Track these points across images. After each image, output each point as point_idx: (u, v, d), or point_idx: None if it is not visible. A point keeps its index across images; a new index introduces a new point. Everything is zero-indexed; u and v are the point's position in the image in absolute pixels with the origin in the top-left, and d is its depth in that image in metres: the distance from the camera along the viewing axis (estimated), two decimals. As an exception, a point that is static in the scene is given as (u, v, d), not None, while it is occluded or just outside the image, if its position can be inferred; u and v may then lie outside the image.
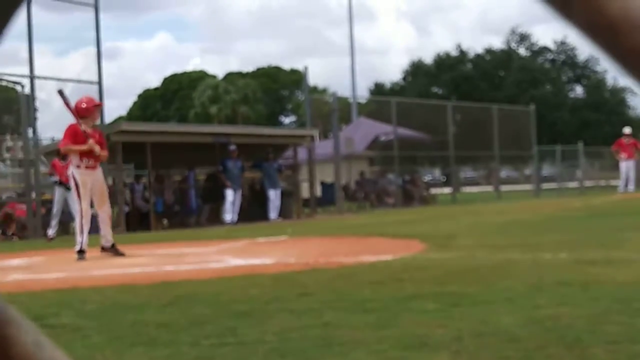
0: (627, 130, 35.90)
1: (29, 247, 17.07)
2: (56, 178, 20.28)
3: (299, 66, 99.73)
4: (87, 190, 13.02)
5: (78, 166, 13.06)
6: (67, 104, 13.15)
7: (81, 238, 12.93)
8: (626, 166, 35.14)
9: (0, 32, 0.59)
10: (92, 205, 13.41)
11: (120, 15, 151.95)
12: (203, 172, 29.08)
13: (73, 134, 13.22)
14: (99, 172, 13.35)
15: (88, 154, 13.10)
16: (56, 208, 20.26)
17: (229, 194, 25.03)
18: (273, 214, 26.14)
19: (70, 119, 13.32)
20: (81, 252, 12.91)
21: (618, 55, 0.62)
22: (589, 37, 0.63)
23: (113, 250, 13.22)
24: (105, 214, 13.36)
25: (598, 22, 0.61)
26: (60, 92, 13.38)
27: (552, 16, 0.65)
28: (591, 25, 0.62)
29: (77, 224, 13.40)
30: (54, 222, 20.22)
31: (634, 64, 0.62)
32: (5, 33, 0.60)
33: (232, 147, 25.26)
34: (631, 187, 34.93)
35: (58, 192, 20.22)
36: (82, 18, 24.09)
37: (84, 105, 13.39)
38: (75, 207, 18.63)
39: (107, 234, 13.32)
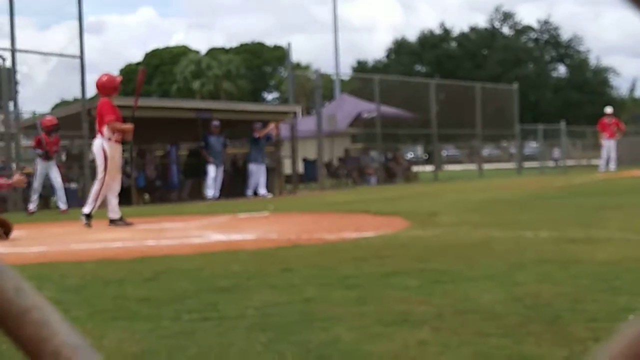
0: (608, 110, 36.14)
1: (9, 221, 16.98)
2: (40, 151, 20.12)
3: (285, 43, 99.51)
4: (114, 163, 13.54)
5: (109, 139, 13.59)
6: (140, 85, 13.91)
7: (93, 204, 13.70)
8: (607, 145, 35.34)
9: None
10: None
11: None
12: (185, 148, 29.00)
13: (113, 109, 14.08)
14: (121, 147, 14.13)
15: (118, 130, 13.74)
16: (38, 182, 20.17)
17: (211, 170, 24.98)
18: (261, 190, 26.04)
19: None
20: (89, 216, 13.64)
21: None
22: None
23: (122, 221, 13.81)
24: (118, 186, 13.99)
25: None
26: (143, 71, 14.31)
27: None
28: None
29: (94, 192, 13.96)
30: (35, 197, 20.17)
31: None
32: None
33: (216, 123, 25.18)
34: (612, 166, 35.12)
35: (40, 165, 20.12)
36: (65, -10, 23.87)
37: (105, 80, 14.39)
38: (58, 180, 19.05)
39: (115, 206, 13.87)
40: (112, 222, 13.83)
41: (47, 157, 19.79)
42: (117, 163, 13.88)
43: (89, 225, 13.63)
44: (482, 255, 7.41)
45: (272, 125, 26.36)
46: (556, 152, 49.20)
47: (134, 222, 14.01)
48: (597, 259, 6.78)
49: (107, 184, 13.71)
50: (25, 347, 0.57)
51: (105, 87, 14.00)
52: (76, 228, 13.44)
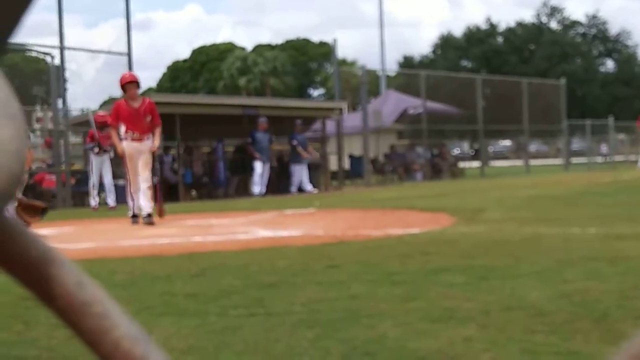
0: None
1: (58, 218, 17.20)
2: (93, 145, 20.20)
3: (330, 39, 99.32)
4: (132, 160, 13.69)
5: (125, 138, 13.63)
6: None
7: (132, 203, 13.87)
8: None
9: (26, 6, 0.59)
10: None
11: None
12: (232, 144, 29.11)
13: (115, 112, 13.97)
14: (145, 144, 13.81)
15: (133, 127, 13.67)
16: (95, 177, 20.28)
17: (258, 166, 25.05)
18: (307, 186, 26.10)
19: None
20: (134, 216, 13.88)
21: None
22: None
23: (146, 219, 13.68)
24: (144, 184, 13.70)
25: None
26: None
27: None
28: None
29: (127, 192, 14.25)
30: (95, 192, 20.33)
31: None
32: (30, 7, 0.60)
33: (262, 119, 25.25)
34: None
35: (95, 161, 20.20)
36: (113, -11, 24.10)
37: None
38: (108, 177, 19.36)
39: (144, 205, 13.76)
40: (133, 217, 14.03)
41: (100, 150, 19.91)
42: (141, 160, 13.69)
43: (136, 222, 13.87)
44: (529, 251, 7.37)
45: (307, 154, 26.41)
46: (604, 148, 48.69)
47: (163, 220, 14.01)
48: (645, 256, 6.72)
49: (132, 182, 13.77)
50: (86, 338, 0.59)
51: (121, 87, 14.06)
52: (124, 224, 13.58)
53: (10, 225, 0.57)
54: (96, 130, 20.01)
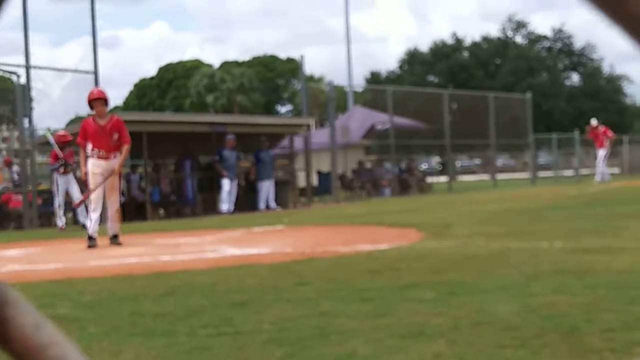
0: (593, 122, 35.53)
1: (25, 238, 17.06)
2: (59, 165, 19.95)
3: (298, 55, 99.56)
4: (97, 179, 13.27)
5: (91, 156, 13.32)
6: None
7: (89, 224, 13.35)
8: (598, 156, 34.95)
9: None
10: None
11: (120, 4, 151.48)
12: (199, 162, 29.02)
13: (82, 130, 13.66)
14: (112, 163, 13.46)
15: (99, 145, 13.34)
16: (61, 197, 20.03)
17: (226, 184, 25.00)
18: (271, 203, 26.06)
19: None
20: (90, 238, 13.19)
21: (623, 22, 0.62)
22: (594, 2, 0.62)
23: (112, 240, 13.40)
24: (111, 207, 13.47)
25: None
26: None
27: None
28: None
29: (87, 212, 13.95)
30: (61, 212, 20.06)
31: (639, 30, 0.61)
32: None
33: (230, 137, 25.20)
34: (597, 178, 34.64)
35: (61, 180, 19.94)
36: (79, 7, 24.11)
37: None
38: (75, 195, 18.92)
39: (109, 224, 13.50)
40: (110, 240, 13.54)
41: (66, 170, 19.66)
42: (108, 181, 13.35)
43: (93, 246, 13.11)
44: (498, 266, 7.41)
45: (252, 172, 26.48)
46: (574, 161, 49.05)
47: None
48: (612, 269, 6.77)
49: (93, 202, 13.31)
50: (44, 381, 0.58)
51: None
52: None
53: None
54: (59, 149, 19.80)
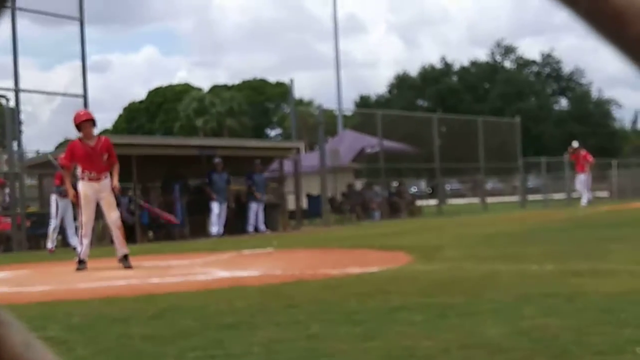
0: (574, 144, 35.19)
1: (13, 260, 16.99)
2: (62, 188, 19.81)
3: (288, 79, 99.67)
4: (88, 202, 13.11)
5: (82, 178, 13.19)
6: None
7: (80, 248, 13.19)
8: (578, 180, 34.64)
9: None
10: (97, 217, 13.62)
11: (110, 28, 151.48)
12: (189, 185, 28.99)
13: (69, 152, 13.55)
14: (103, 184, 13.29)
15: (90, 167, 13.19)
16: (58, 220, 19.93)
17: (215, 207, 25.00)
18: (261, 226, 26.05)
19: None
20: (80, 262, 13.05)
21: (622, 44, 0.62)
22: (593, 25, 0.63)
23: (123, 262, 13.15)
24: (114, 226, 13.32)
25: (603, 10, 0.61)
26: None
27: (547, 17, 0.65)
28: (596, 13, 0.61)
29: (77, 235, 13.81)
30: (55, 235, 19.96)
31: (639, 52, 0.62)
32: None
33: (217, 160, 25.23)
34: (584, 201, 34.42)
35: (61, 203, 19.80)
36: (68, 31, 24.09)
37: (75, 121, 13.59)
38: (71, 219, 18.75)
39: (117, 245, 13.28)
40: (119, 261, 13.35)
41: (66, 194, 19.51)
42: (104, 201, 13.15)
43: (82, 269, 12.97)
44: (487, 289, 7.40)
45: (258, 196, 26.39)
46: (562, 185, 49.10)
47: (133, 260, 13.39)
48: (602, 292, 6.77)
49: (85, 225, 13.15)
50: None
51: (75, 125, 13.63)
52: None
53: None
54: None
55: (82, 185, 13.19)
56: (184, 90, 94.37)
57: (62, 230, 20.50)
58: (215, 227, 24.93)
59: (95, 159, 13.24)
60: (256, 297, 7.71)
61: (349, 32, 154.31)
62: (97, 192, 13.13)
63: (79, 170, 13.37)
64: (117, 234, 13.19)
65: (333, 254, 13.98)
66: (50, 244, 19.92)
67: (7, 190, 24.48)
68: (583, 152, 34.50)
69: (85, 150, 13.22)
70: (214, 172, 25.18)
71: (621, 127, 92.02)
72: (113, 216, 13.32)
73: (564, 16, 0.64)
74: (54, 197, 20.11)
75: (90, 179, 13.14)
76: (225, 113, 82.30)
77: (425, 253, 12.09)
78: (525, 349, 4.64)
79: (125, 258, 13.12)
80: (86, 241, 13.13)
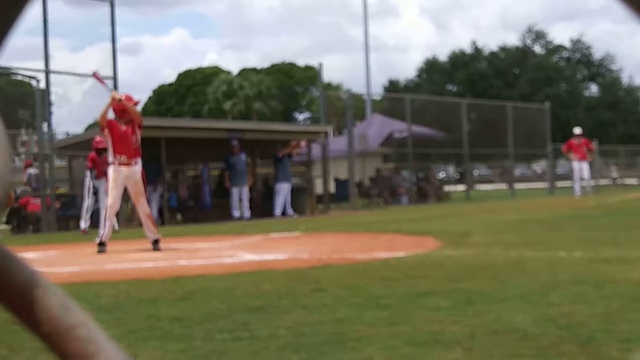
0: (577, 130, 34.33)
1: (43, 241, 17.13)
2: (94, 170, 19.91)
3: (318, 63, 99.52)
4: (117, 186, 13.23)
5: (112, 163, 13.29)
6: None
7: (102, 231, 13.29)
8: (579, 168, 33.89)
9: (8, 29, 0.59)
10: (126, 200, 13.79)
11: (142, 10, 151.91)
12: (217, 167, 29.09)
13: (110, 123, 13.56)
14: (133, 169, 13.38)
15: (121, 149, 13.26)
16: (91, 200, 20.05)
17: (234, 192, 25.01)
18: (288, 209, 26.01)
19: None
20: (101, 244, 13.20)
21: None
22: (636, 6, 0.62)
23: (153, 245, 13.28)
24: (141, 212, 13.42)
25: None
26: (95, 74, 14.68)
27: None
28: None
29: (101, 217, 13.94)
30: (88, 215, 20.07)
31: None
32: (12, 30, 0.60)
33: (234, 143, 25.13)
34: (588, 188, 33.84)
35: (95, 183, 19.91)
36: (99, 13, 24.12)
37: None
38: (103, 201, 18.90)
39: (147, 233, 13.39)
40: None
41: (98, 177, 19.62)
42: (132, 187, 13.25)
43: (103, 251, 13.11)
44: (515, 275, 7.38)
45: (293, 143, 26.42)
46: (590, 172, 48.76)
47: (161, 243, 13.49)
48: (630, 279, 6.73)
49: (110, 208, 13.32)
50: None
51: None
52: (111, 247, 13.42)
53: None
54: (95, 154, 19.78)
55: (112, 171, 13.31)
56: (214, 73, 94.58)
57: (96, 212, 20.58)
58: (236, 212, 24.96)
59: (127, 141, 13.33)
60: (283, 281, 7.73)
61: (381, 16, 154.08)
62: (126, 178, 13.22)
63: (110, 155, 13.44)
64: (146, 222, 13.27)
65: (360, 239, 13.98)
66: (83, 224, 20.04)
67: (32, 171, 24.61)
68: (583, 139, 33.86)
69: (120, 132, 13.34)
70: (231, 155, 25.10)
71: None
72: (140, 202, 13.40)
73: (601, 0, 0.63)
74: (88, 179, 20.22)
75: (120, 164, 13.22)
76: (253, 96, 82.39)
77: (452, 239, 12.07)
78: (552, 335, 4.63)
79: (155, 242, 13.24)
80: (109, 223, 13.25)
